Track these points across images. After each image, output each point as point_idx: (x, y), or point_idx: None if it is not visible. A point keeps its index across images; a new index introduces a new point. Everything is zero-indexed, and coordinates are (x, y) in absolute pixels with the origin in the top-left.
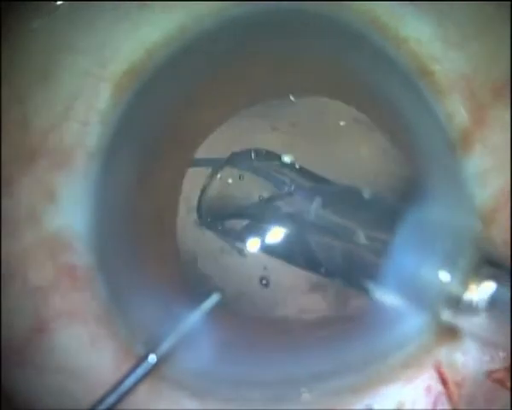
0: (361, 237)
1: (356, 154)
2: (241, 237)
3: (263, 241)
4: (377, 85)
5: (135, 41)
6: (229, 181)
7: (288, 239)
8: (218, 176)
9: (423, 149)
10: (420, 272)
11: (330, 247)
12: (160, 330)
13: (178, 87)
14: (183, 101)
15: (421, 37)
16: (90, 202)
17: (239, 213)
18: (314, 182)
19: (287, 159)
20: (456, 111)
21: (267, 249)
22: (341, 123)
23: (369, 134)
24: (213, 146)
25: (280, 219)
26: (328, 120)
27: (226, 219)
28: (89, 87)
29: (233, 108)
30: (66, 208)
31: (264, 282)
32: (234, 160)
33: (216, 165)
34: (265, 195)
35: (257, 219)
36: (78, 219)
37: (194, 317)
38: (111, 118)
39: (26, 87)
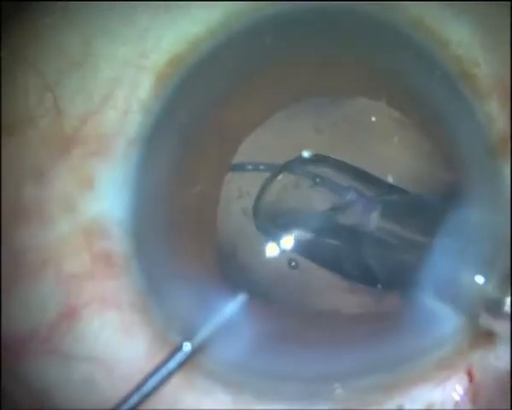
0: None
1: (397, 155)
2: (295, 246)
3: (316, 252)
4: (419, 87)
5: (177, 32)
6: (287, 187)
7: (343, 251)
8: (276, 180)
9: (463, 152)
10: (458, 274)
11: (386, 258)
12: (196, 320)
13: (221, 81)
14: (226, 95)
15: (461, 40)
16: (129, 190)
17: (296, 223)
18: (376, 189)
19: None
20: (496, 115)
21: (320, 261)
22: (380, 123)
23: (410, 135)
24: (255, 143)
25: (338, 230)
26: (367, 120)
27: (283, 228)
28: (129, 76)
29: (274, 106)
30: (104, 195)
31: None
32: (291, 166)
33: (267, 169)
34: (325, 204)
35: (314, 229)
36: (115, 207)
37: (229, 309)
38: (152, 107)
39: (57, 75)
